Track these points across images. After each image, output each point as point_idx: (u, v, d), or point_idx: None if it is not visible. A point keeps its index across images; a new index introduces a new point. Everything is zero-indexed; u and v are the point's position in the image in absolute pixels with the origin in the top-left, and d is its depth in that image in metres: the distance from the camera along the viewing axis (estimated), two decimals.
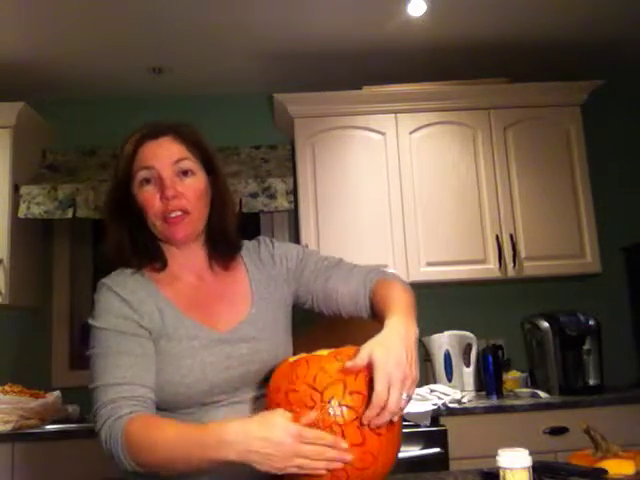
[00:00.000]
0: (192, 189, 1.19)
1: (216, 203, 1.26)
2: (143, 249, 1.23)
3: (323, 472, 0.95)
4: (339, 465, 0.95)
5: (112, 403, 1.07)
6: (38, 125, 3.11)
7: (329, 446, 0.94)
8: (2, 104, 2.83)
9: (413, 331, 1.07)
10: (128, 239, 1.22)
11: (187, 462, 1.00)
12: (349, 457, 0.95)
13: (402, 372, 0.98)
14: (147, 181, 1.18)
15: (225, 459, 0.96)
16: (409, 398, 0.99)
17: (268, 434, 0.93)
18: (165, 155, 1.18)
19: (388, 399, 0.96)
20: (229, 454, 0.95)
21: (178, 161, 1.19)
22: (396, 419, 0.99)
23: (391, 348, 1.01)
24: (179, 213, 1.18)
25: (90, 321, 1.16)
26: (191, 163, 1.21)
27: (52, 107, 3.21)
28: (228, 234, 1.27)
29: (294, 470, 0.94)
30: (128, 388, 1.08)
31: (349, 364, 0.99)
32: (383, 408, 0.96)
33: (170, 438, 1.02)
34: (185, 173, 1.20)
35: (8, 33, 2.65)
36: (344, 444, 0.95)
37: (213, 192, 1.25)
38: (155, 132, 1.21)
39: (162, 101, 3.24)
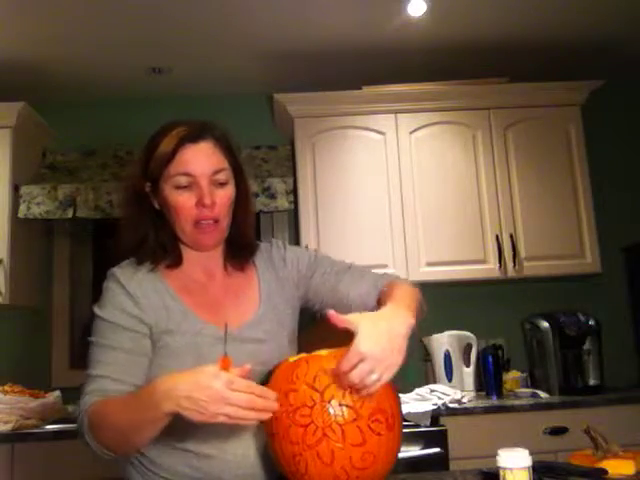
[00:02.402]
0: (225, 199, 1.21)
1: (239, 208, 1.26)
2: (161, 245, 1.24)
3: (252, 422, 0.96)
4: (268, 415, 0.96)
5: (91, 393, 1.11)
6: (38, 125, 3.10)
7: (258, 396, 0.95)
8: (2, 104, 2.83)
9: (404, 320, 1.05)
10: (154, 234, 1.23)
11: (133, 428, 1.02)
12: (276, 405, 0.96)
13: (381, 351, 0.97)
14: (184, 186, 1.18)
15: (159, 411, 0.96)
16: (379, 380, 0.98)
17: (197, 378, 0.94)
18: (206, 164, 1.19)
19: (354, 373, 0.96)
20: (161, 404, 0.95)
21: (217, 172, 1.20)
22: (364, 392, 0.98)
23: (376, 326, 1.01)
24: (211, 222, 1.19)
25: (95, 308, 1.19)
26: (227, 173, 1.22)
27: (52, 107, 3.21)
28: (248, 238, 1.29)
29: (223, 419, 0.93)
30: (109, 382, 1.12)
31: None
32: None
33: (115, 410, 1.05)
34: (221, 184, 1.21)
35: (8, 33, 2.65)
36: (272, 394, 0.96)
37: (237, 197, 1.25)
38: (195, 135, 1.20)
39: (162, 101, 3.23)
